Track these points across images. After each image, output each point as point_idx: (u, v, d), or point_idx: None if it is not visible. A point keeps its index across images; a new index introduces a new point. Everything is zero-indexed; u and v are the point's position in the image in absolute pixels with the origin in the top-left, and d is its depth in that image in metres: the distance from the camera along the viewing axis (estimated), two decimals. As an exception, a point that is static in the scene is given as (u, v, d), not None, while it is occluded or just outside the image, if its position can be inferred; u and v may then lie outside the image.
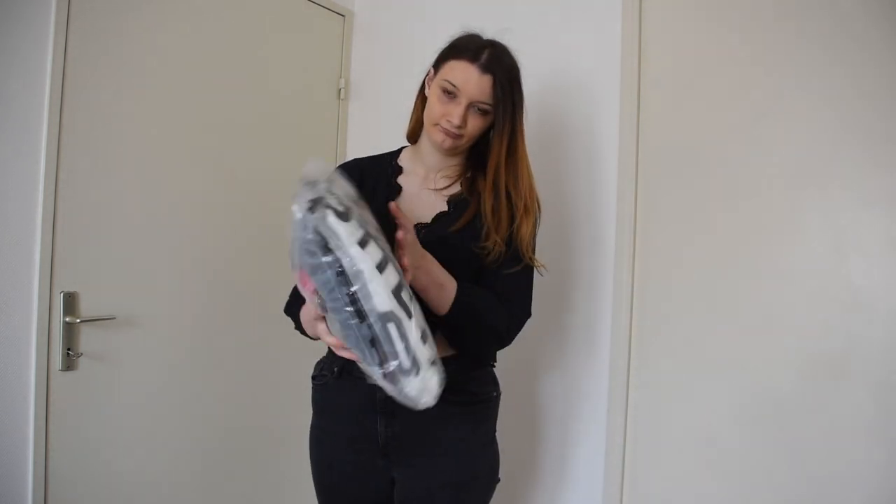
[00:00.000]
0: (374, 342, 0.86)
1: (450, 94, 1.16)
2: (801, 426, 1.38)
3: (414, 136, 1.31)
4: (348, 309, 0.85)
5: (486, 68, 1.14)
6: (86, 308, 1.52)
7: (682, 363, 1.54)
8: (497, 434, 1.30)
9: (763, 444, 1.42)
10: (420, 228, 1.21)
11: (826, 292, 1.36)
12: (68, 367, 1.48)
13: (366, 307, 0.84)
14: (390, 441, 1.20)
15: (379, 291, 0.84)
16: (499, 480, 1.29)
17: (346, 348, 0.94)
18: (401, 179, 1.28)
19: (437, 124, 1.19)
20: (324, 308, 0.89)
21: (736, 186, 1.47)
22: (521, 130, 1.22)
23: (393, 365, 0.87)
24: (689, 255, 1.54)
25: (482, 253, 1.18)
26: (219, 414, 1.83)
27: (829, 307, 1.35)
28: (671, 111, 1.57)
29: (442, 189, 1.25)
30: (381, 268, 0.85)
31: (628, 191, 1.60)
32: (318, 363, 1.32)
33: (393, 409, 1.18)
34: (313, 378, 1.31)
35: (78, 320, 1.49)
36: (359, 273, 0.83)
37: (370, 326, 0.85)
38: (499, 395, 1.30)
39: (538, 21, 1.76)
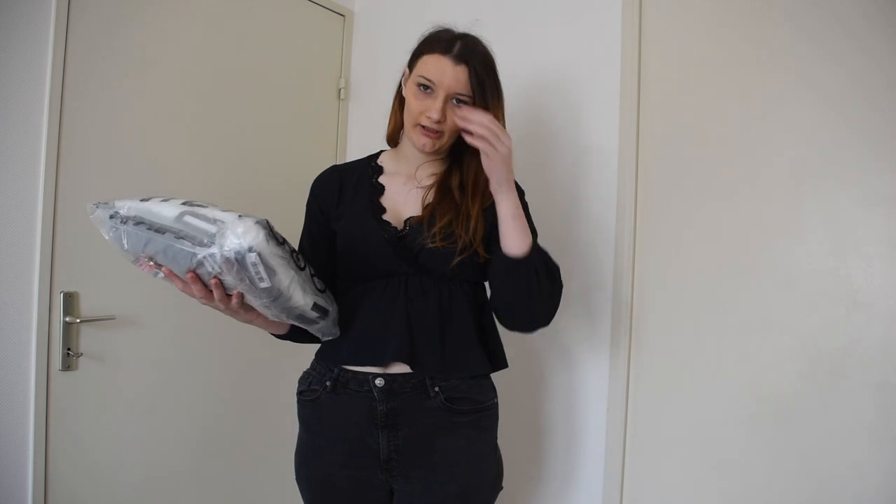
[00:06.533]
0: (181, 237, 0.98)
1: (426, 89, 1.15)
2: (801, 426, 1.38)
3: (393, 139, 1.30)
4: (151, 233, 0.99)
5: (459, 59, 1.13)
6: (86, 308, 1.52)
7: (682, 364, 1.54)
8: (498, 440, 1.29)
9: (763, 444, 1.42)
10: (407, 224, 1.20)
11: (826, 292, 1.36)
12: (68, 367, 1.48)
13: (161, 221, 0.99)
14: (392, 455, 1.16)
15: (162, 206, 1.01)
16: (501, 489, 1.27)
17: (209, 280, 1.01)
18: (382, 179, 1.27)
19: (417, 124, 1.17)
20: (158, 265, 1.03)
21: (736, 186, 1.47)
22: (501, 119, 1.19)
23: (206, 238, 0.96)
24: (689, 255, 1.53)
25: (461, 259, 1.16)
26: (219, 414, 1.83)
27: (829, 307, 1.35)
28: (671, 111, 1.57)
29: (427, 187, 1.23)
30: (165, 202, 1.03)
31: (628, 191, 1.60)
32: (305, 377, 1.27)
33: (396, 421, 1.15)
34: (300, 393, 1.26)
35: (78, 320, 1.49)
36: (148, 210, 1.01)
37: (171, 229, 0.98)
38: (497, 401, 1.28)
39: (538, 21, 1.76)
